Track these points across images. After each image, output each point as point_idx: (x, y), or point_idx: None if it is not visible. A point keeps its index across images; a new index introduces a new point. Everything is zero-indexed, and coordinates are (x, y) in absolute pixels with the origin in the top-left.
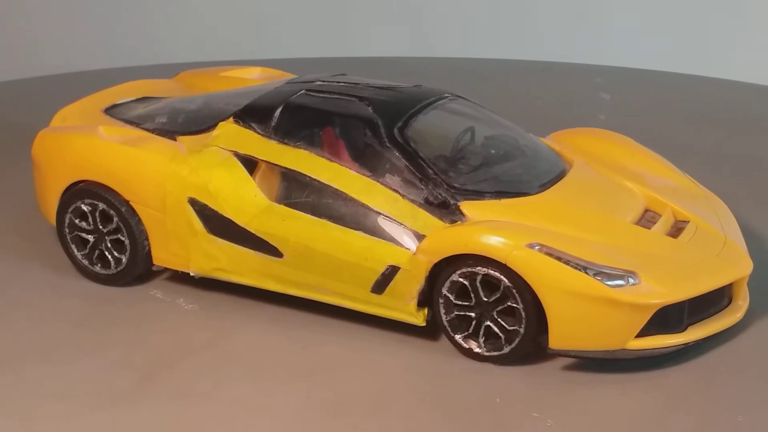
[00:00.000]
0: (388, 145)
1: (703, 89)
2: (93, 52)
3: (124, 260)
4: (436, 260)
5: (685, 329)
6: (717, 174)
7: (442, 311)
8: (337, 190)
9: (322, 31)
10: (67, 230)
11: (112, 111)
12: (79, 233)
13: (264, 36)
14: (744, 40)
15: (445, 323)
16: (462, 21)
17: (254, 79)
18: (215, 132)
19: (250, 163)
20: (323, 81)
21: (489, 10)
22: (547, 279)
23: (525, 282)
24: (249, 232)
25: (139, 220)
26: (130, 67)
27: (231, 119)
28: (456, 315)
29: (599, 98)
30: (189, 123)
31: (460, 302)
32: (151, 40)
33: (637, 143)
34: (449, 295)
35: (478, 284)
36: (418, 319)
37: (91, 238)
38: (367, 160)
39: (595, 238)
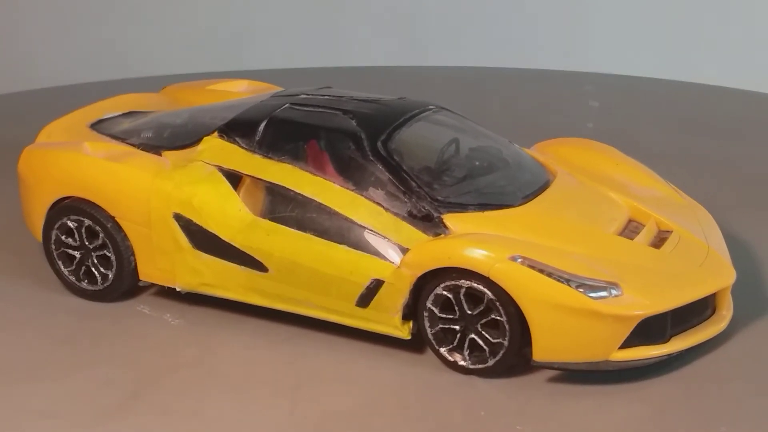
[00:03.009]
0: (371, 158)
1: (692, 96)
2: (80, 66)
3: (110, 276)
4: (419, 273)
5: (668, 340)
6: (703, 181)
7: (427, 324)
8: (321, 204)
9: (312, 40)
10: (53, 246)
11: (98, 126)
12: (66, 249)
13: (253, 46)
14: (732, 46)
15: (430, 336)
16: (453, 30)
17: (240, 93)
18: (200, 147)
19: (235, 178)
20: (308, 94)
21: (480, 18)
22: (529, 291)
23: (508, 295)
24: (234, 247)
25: (125, 235)
26: (117, 80)
27: (215, 134)
28: (441, 328)
29: (588, 106)
30: (174, 138)
31: (444, 315)
32: (138, 52)
33: (620, 153)
34: (434, 308)
35: (462, 297)
36: (403, 332)
37: (77, 254)
38: (350, 173)
39: (578, 249)
